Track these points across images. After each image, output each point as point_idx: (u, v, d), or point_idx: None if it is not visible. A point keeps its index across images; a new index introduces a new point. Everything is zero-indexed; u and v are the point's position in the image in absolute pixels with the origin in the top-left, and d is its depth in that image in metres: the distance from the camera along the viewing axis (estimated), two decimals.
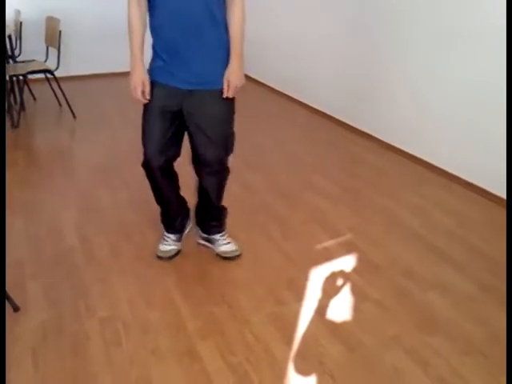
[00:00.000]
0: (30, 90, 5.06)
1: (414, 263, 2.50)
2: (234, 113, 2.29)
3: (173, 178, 2.40)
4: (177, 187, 2.45)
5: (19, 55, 4.93)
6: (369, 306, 2.19)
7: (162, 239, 2.54)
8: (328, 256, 2.55)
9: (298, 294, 2.26)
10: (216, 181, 2.40)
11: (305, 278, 2.38)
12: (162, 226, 2.55)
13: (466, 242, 2.68)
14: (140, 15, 2.15)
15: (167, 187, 2.39)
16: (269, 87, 5.68)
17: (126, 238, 2.67)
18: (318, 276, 2.40)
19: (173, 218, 2.51)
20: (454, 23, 3.25)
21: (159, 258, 2.49)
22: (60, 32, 4.39)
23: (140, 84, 2.15)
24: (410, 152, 3.76)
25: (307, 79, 5.00)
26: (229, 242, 2.52)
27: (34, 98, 5.11)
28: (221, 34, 2.11)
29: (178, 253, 2.51)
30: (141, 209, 2.98)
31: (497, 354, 1.94)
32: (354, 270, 2.45)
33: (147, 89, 2.17)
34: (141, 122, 2.32)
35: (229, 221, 2.66)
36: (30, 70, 4.42)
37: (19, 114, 4.48)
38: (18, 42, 4.97)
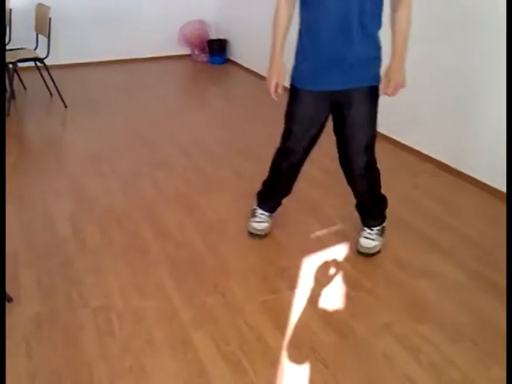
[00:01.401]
0: (20, 78, 5.00)
1: (405, 252, 2.52)
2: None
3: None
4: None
5: (9, 43, 4.87)
6: (361, 295, 2.21)
7: (253, 216, 2.60)
8: (320, 245, 2.57)
9: (291, 283, 2.28)
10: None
11: (298, 267, 2.39)
12: (255, 199, 2.62)
13: (456, 230, 2.71)
14: (289, 16, 2.21)
15: (292, 172, 2.48)
16: (261, 76, 5.66)
17: (118, 226, 2.67)
18: (310, 265, 2.41)
19: (276, 196, 2.59)
20: (443, 13, 3.24)
21: (251, 234, 2.57)
22: (50, 19, 4.33)
23: (276, 81, 2.22)
24: (402, 141, 3.77)
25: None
26: (372, 239, 2.48)
27: (25, 87, 5.05)
28: (373, 31, 2.11)
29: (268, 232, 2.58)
30: (132, 197, 2.97)
31: (486, 341, 1.97)
32: (346, 258, 2.47)
33: (281, 85, 2.25)
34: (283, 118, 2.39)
35: (221, 209, 2.66)
36: (19, 58, 4.37)
37: (9, 103, 4.44)
38: (8, 29, 4.90)
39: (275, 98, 2.27)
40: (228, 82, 5.81)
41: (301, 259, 2.45)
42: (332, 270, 2.39)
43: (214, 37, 6.41)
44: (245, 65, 5.99)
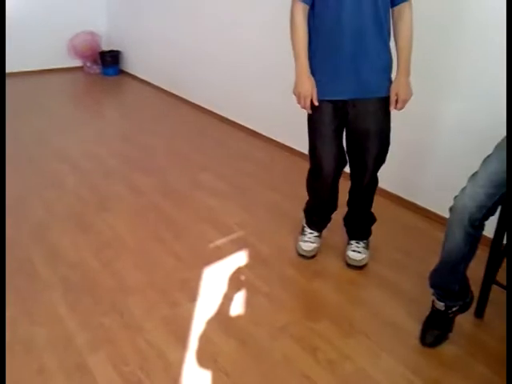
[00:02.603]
0: None
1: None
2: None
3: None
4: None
5: None
6: (259, 299, 2.26)
7: (302, 234, 2.55)
8: (219, 254, 2.58)
9: (191, 295, 2.27)
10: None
11: (197, 278, 2.39)
12: (303, 220, 2.62)
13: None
14: (305, 22, 2.12)
15: (335, 187, 2.46)
16: (156, 86, 5.60)
17: (5, 251, 2.51)
18: (210, 275, 2.42)
19: (322, 214, 2.57)
20: None
21: (302, 256, 2.54)
22: None
23: (309, 94, 2.14)
24: (294, 147, 3.90)
25: (193, 78, 5.00)
26: (359, 252, 2.51)
27: None
28: (385, 41, 2.13)
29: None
30: (20, 220, 2.81)
31: (377, 332, 2.09)
32: (245, 265, 2.51)
33: (315, 96, 2.16)
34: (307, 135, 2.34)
35: (117, 225, 2.59)
36: None
37: None
38: None
39: (309, 111, 2.22)
40: (122, 93, 5.69)
41: (201, 270, 2.45)
42: (232, 278, 2.41)
43: (106, 48, 6.26)
44: (139, 76, 5.90)
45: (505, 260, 2.10)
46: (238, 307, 2.21)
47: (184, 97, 5.16)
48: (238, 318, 2.15)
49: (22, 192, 3.14)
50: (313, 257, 2.56)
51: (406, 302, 2.26)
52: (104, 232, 2.73)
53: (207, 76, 4.78)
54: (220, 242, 2.69)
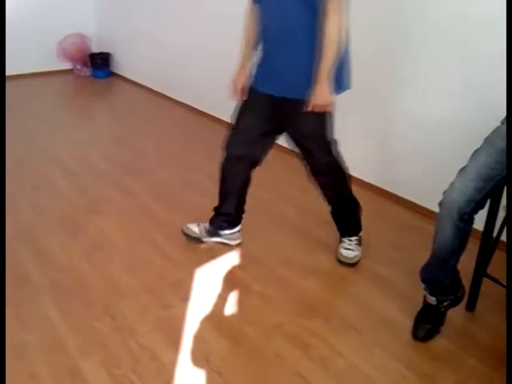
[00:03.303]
0: None
1: (292, 252, 2.61)
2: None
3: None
4: None
5: None
6: (252, 299, 2.26)
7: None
8: (212, 254, 2.58)
9: (184, 296, 2.27)
10: None
11: (190, 279, 2.38)
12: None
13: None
14: (255, 27, 2.26)
15: None
16: (146, 88, 5.59)
17: None
18: (202, 275, 2.42)
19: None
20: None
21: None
22: None
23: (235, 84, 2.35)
24: (285, 146, 3.89)
25: (184, 79, 4.98)
26: (351, 250, 2.52)
27: None
28: (305, 42, 2.11)
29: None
30: (9, 224, 2.78)
31: (370, 328, 2.09)
32: (238, 265, 2.51)
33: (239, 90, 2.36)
34: None
35: (108, 228, 2.58)
36: None
37: None
38: None
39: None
40: (113, 95, 5.67)
41: (193, 270, 2.45)
42: (224, 278, 2.41)
43: (96, 50, 6.22)
44: (129, 77, 5.88)
45: (495, 253, 2.10)
46: (230, 307, 2.21)
47: (175, 97, 5.14)
48: (231, 317, 2.15)
49: (12, 195, 3.12)
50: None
51: (398, 298, 2.27)
52: (95, 235, 2.72)
53: (198, 76, 4.76)
54: (212, 242, 2.68)
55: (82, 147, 3.95)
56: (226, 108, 4.39)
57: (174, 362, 1.90)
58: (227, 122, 4.39)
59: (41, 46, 5.91)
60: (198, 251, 2.61)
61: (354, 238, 2.54)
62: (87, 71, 6.16)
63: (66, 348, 1.94)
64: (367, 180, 3.30)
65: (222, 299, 2.26)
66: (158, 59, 5.29)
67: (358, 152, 3.25)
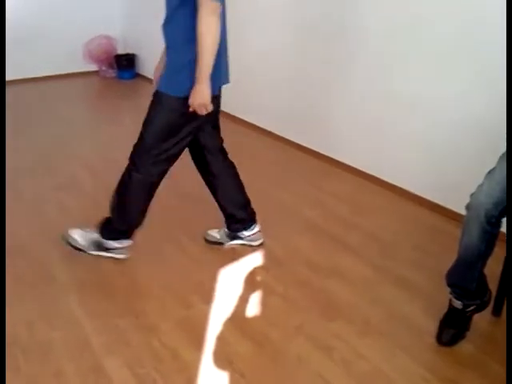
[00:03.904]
0: None
1: (315, 253, 2.60)
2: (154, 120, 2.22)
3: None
4: None
5: None
6: (274, 300, 2.26)
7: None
8: (234, 255, 2.59)
9: (206, 297, 2.28)
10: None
11: (212, 280, 2.40)
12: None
13: (362, 229, 2.83)
14: None
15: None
16: None
17: (22, 255, 2.54)
18: (225, 276, 2.42)
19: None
20: (403, 42, 3.10)
21: None
22: None
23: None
24: (305, 145, 3.88)
25: None
26: None
27: None
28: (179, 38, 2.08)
29: None
30: (37, 223, 2.85)
31: (392, 331, 2.07)
32: (260, 266, 2.51)
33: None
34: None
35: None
36: None
37: None
38: None
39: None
40: (138, 97, 5.72)
41: (215, 272, 2.46)
42: (246, 279, 2.41)
43: (121, 51, 6.30)
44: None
45: None
46: (253, 308, 2.21)
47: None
48: (254, 318, 2.15)
49: (38, 194, 3.18)
50: None
51: (423, 301, 2.24)
52: None
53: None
54: (234, 242, 2.69)
55: (107, 148, 4.01)
56: (245, 107, 4.43)
57: (196, 362, 1.91)
58: (246, 121, 4.44)
59: (67, 47, 6.00)
60: (220, 252, 2.62)
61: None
62: (112, 72, 6.24)
63: (90, 346, 1.97)
64: (392, 182, 3.28)
65: (244, 300, 2.26)
66: None
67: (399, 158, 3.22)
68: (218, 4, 1.96)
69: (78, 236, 2.47)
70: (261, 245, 2.66)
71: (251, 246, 2.65)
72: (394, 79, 3.13)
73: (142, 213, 2.42)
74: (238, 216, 2.59)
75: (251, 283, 2.38)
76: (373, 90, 3.27)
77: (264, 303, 2.24)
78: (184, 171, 3.68)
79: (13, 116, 4.77)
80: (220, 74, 2.21)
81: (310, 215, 2.99)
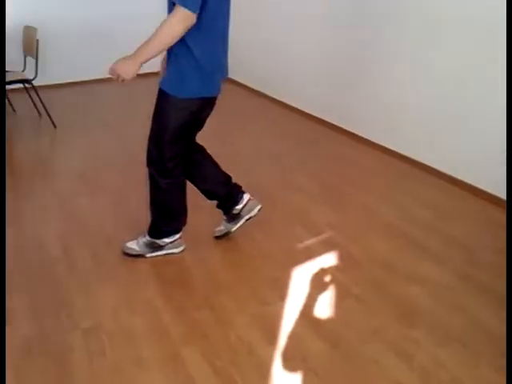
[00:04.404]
0: (8, 101, 5.03)
1: (393, 257, 2.54)
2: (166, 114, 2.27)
3: None
4: None
5: None
6: (350, 302, 2.22)
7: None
8: (310, 254, 2.58)
9: (281, 294, 2.29)
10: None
11: (287, 278, 2.40)
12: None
13: (444, 234, 2.73)
14: None
15: None
16: (247, 87, 5.69)
17: (108, 245, 2.68)
18: (300, 275, 2.42)
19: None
20: (440, 21, 3.25)
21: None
22: (37, 41, 4.37)
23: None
24: (389, 147, 3.79)
25: (286, 77, 5.01)
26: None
27: (13, 109, 5.07)
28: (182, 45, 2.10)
29: None
30: (121, 215, 2.98)
31: (476, 342, 1.98)
32: (335, 266, 2.48)
33: None
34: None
35: (209, 222, 2.68)
36: (7, 80, 4.39)
37: None
38: None
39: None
40: (222, 96, 5.83)
41: (290, 269, 2.46)
42: (321, 279, 2.40)
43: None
44: (238, 80, 6.02)
45: None
46: (328, 308, 2.19)
47: (274, 97, 5.19)
48: (328, 318, 2.13)
49: (123, 189, 3.33)
50: None
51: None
52: (197, 228, 2.81)
53: (297, 75, 4.77)
54: (310, 242, 2.68)
55: None
56: (331, 109, 4.39)
57: (271, 359, 1.93)
58: (326, 121, 4.41)
59: None
60: (295, 250, 2.62)
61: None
62: None
63: (169, 334, 2.04)
64: (470, 182, 3.13)
65: (319, 300, 2.25)
66: (255, 58, 5.37)
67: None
68: (191, 14, 1.96)
69: (133, 245, 2.58)
70: (335, 246, 2.62)
71: (252, 216, 2.65)
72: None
73: (185, 208, 2.54)
74: (221, 193, 2.60)
75: (327, 283, 2.36)
76: (451, 89, 3.14)
77: (339, 304, 2.22)
78: (260, 169, 3.67)
79: (100, 113, 5.02)
80: (216, 78, 2.24)
81: (388, 217, 2.91)
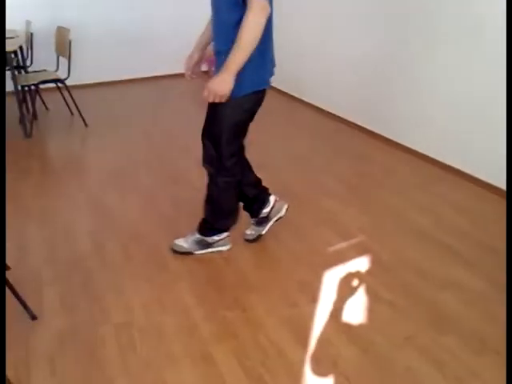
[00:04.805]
0: (42, 99, 5.13)
1: (425, 262, 2.50)
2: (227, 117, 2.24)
3: None
4: None
5: (31, 65, 5.00)
6: (381, 307, 2.19)
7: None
8: (340, 258, 2.56)
9: (311, 297, 2.27)
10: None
11: (317, 281, 2.38)
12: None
13: (477, 240, 2.68)
14: None
15: None
16: (274, 88, 5.69)
17: (138, 242, 2.70)
18: (330, 278, 2.40)
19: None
20: (474, 27, 3.23)
21: None
22: (70, 41, 4.45)
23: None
24: (419, 150, 3.75)
25: (315, 80, 5.00)
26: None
27: (47, 108, 5.17)
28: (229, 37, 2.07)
29: None
30: (152, 213, 3.01)
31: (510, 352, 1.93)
32: (366, 270, 2.45)
33: None
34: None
35: (241, 223, 2.68)
36: (41, 79, 4.47)
37: (31, 124, 4.54)
38: (29, 52, 5.04)
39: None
40: None
41: (321, 272, 2.44)
42: (352, 283, 2.37)
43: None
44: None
45: None
46: (358, 313, 2.17)
47: (303, 98, 5.18)
48: (359, 324, 2.11)
49: (154, 187, 3.36)
50: None
51: None
52: None
53: (327, 76, 4.76)
54: (340, 245, 2.66)
55: None
56: (361, 111, 4.37)
57: (301, 361, 1.91)
58: (354, 123, 4.38)
59: (182, 48, 6.25)
60: (325, 254, 2.60)
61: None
62: None
63: (200, 332, 2.04)
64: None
65: (349, 304, 2.22)
66: (286, 60, 5.37)
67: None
68: (266, 4, 1.94)
69: (182, 242, 2.59)
70: (366, 251, 2.60)
71: (281, 217, 2.69)
72: None
73: (237, 207, 2.55)
74: (250, 194, 2.58)
75: (357, 288, 2.34)
76: (482, 94, 3.09)
77: (370, 309, 2.19)
78: (288, 170, 3.66)
79: (130, 112, 5.08)
80: (267, 69, 2.22)
81: (420, 222, 2.87)
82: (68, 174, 3.64)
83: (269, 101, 5.51)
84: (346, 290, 2.32)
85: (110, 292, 2.30)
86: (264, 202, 2.64)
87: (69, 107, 4.92)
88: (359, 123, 4.40)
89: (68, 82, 4.61)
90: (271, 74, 2.29)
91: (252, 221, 2.70)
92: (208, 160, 2.38)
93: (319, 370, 1.87)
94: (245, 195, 2.61)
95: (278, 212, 2.69)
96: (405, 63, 3.79)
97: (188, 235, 2.61)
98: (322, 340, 2.02)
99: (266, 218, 2.67)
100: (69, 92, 4.68)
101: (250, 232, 2.71)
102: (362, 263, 2.51)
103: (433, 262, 2.50)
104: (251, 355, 1.93)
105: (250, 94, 2.18)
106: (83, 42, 5.62)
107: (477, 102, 3.24)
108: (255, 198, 2.62)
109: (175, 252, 2.59)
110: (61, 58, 4.77)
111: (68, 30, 4.52)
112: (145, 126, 4.63)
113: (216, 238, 2.57)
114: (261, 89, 2.23)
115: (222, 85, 2.05)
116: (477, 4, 3.14)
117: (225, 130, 2.26)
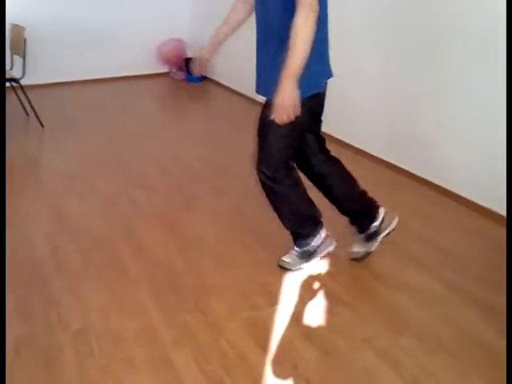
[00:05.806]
0: None
1: (385, 266, 2.55)
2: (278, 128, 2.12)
3: None
4: None
5: None
6: (341, 309, 2.23)
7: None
8: None
9: (272, 299, 2.28)
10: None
11: (278, 283, 2.40)
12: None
13: (434, 244, 2.75)
14: (241, 12, 2.50)
15: None
16: (240, 93, 5.70)
17: (96, 246, 2.65)
18: (291, 281, 2.42)
19: None
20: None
21: None
22: (25, 40, 4.32)
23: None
24: (383, 158, 3.80)
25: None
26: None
27: None
28: (279, 43, 2.00)
29: None
30: (111, 217, 2.95)
31: (465, 352, 1.99)
32: (327, 273, 2.49)
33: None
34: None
35: (201, 226, 2.67)
36: None
37: None
38: None
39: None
40: (206, 99, 5.84)
41: (281, 275, 2.45)
42: (313, 286, 2.40)
43: (191, 55, 6.44)
44: (223, 82, 6.03)
45: None
46: (319, 315, 2.19)
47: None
48: (319, 326, 2.13)
49: (113, 191, 3.30)
50: None
51: (497, 322, 2.14)
52: (188, 232, 2.81)
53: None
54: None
55: (177, 147, 4.10)
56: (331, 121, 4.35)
57: (261, 364, 1.92)
58: (332, 136, 4.39)
59: (142, 50, 6.22)
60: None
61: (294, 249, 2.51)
62: (182, 75, 6.40)
63: (160, 337, 2.02)
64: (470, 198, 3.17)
65: (310, 307, 2.24)
66: (252, 66, 5.37)
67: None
68: (315, 3, 1.88)
69: (287, 259, 2.50)
70: (329, 253, 2.62)
71: (389, 232, 2.49)
72: None
73: (310, 202, 2.39)
74: (358, 209, 2.47)
75: (318, 290, 2.36)
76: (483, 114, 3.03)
77: (330, 311, 2.22)
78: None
79: (88, 113, 4.98)
80: (325, 67, 2.15)
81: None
82: (24, 177, 3.53)
83: (231, 104, 5.48)
84: (306, 292, 2.34)
85: (67, 297, 2.25)
86: (372, 216, 2.47)
87: (24, 108, 4.78)
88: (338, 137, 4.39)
89: (23, 82, 4.48)
90: (329, 75, 2.19)
91: (359, 235, 2.53)
92: (261, 166, 2.28)
93: (280, 373, 1.88)
94: (352, 211, 2.48)
95: (389, 226, 2.49)
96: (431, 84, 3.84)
97: (291, 251, 2.49)
98: (282, 342, 2.03)
99: (377, 233, 2.49)
100: (24, 92, 4.54)
101: (356, 249, 2.54)
102: (322, 266, 2.54)
103: (391, 265, 2.55)
104: (211, 359, 1.92)
105: (304, 99, 2.04)
106: (39, 40, 5.44)
107: (467, 126, 3.31)
108: (363, 213, 2.47)
109: (283, 269, 2.48)
110: (15, 56, 4.63)
111: (23, 28, 4.40)
112: (104, 128, 4.55)
113: (314, 244, 2.42)
114: (316, 92, 2.14)
115: (288, 96, 1.94)
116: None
117: (276, 133, 2.16)
